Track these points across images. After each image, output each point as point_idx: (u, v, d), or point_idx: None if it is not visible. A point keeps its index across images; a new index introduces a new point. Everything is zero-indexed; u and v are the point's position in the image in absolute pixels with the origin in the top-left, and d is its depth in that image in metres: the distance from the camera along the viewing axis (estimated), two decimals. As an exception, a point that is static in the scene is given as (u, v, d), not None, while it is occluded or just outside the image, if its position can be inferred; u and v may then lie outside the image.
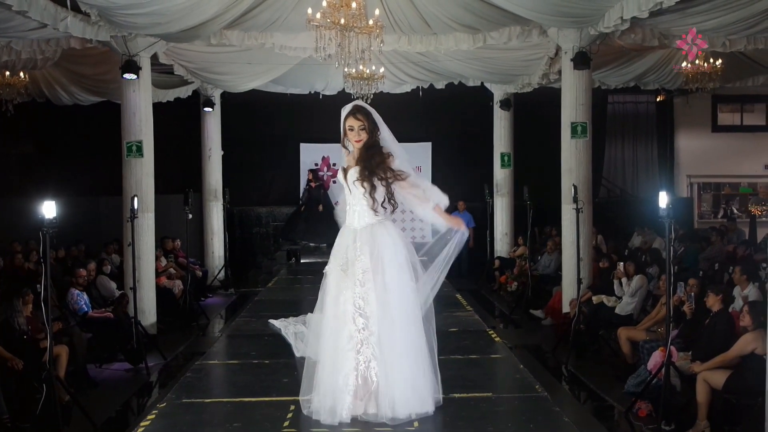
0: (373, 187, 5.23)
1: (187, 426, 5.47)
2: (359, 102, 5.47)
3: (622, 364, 8.18)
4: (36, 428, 6.27)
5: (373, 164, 5.21)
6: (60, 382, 6.53)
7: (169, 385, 7.54)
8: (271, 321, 7.59)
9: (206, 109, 15.34)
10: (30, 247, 11.35)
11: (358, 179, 5.25)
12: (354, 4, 8.24)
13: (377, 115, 5.31)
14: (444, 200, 5.29)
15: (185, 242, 12.69)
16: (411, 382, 5.20)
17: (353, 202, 5.34)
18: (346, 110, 5.31)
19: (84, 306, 9.15)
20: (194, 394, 6.27)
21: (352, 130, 5.25)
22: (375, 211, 5.27)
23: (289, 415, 5.55)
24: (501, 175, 15.76)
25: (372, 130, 5.24)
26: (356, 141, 5.26)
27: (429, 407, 5.28)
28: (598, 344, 9.14)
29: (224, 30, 10.49)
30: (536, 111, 15.23)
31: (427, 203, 5.30)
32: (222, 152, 15.92)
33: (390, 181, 5.23)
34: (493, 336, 8.60)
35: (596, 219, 11.08)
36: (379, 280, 5.20)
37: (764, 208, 18.36)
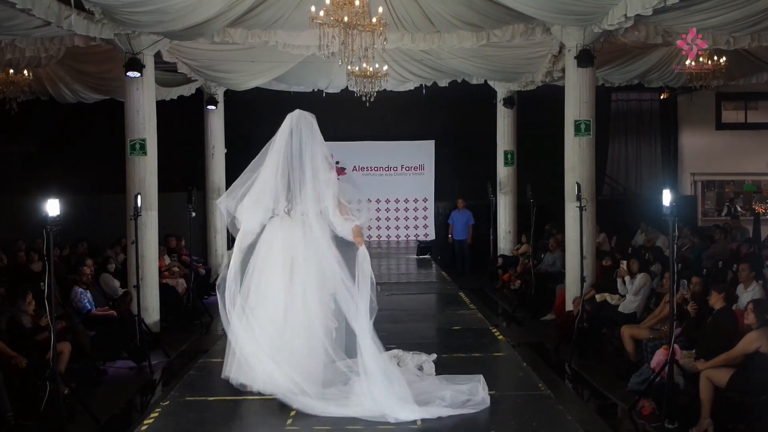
0: None
1: (191, 424, 5.47)
2: None
3: (626, 362, 8.17)
4: (39, 425, 6.30)
5: None
6: (59, 375, 6.53)
7: (172, 383, 7.54)
8: None
9: (210, 107, 15.32)
10: (36, 246, 11.33)
11: None
12: (357, 2, 8.22)
13: None
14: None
15: (188, 240, 12.68)
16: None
17: None
18: None
19: (87, 304, 9.15)
20: (198, 391, 6.28)
21: None
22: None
23: (293, 412, 5.56)
24: (504, 173, 15.75)
25: None
26: None
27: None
28: (602, 342, 9.13)
29: (227, 28, 10.49)
30: (539, 109, 15.19)
31: None
32: (225, 150, 15.89)
33: None
34: (496, 334, 8.58)
35: (599, 217, 11.06)
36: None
37: (768, 205, 18.33)
